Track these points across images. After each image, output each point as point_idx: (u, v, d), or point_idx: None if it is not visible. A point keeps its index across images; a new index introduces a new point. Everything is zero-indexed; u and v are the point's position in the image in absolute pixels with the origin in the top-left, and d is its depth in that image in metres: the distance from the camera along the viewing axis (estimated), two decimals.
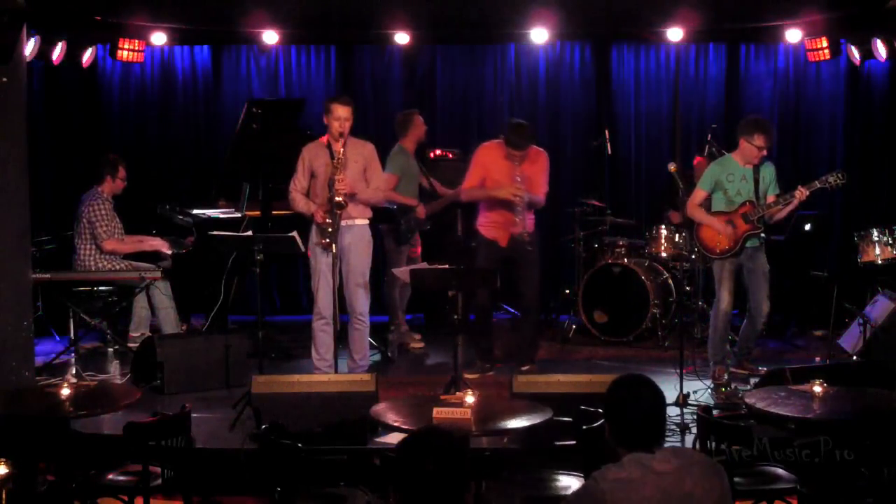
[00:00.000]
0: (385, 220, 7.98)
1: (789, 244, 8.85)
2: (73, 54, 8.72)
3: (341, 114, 6.34)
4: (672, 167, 6.61)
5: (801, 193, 6.46)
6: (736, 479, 4.07)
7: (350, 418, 5.31)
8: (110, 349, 7.82)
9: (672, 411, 5.87)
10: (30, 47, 7.60)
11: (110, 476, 4.55)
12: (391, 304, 8.14)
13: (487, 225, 7.06)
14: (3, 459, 3.42)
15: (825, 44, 8.83)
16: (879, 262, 7.42)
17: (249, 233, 6.73)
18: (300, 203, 6.52)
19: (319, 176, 6.45)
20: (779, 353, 7.73)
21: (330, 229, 6.26)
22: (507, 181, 6.84)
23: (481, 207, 7.13)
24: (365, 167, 6.53)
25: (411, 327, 8.39)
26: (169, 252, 7.71)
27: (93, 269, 7.50)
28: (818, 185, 6.57)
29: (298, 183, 6.53)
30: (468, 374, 6.64)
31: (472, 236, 7.48)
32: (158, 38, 8.97)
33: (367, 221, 6.61)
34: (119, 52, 8.87)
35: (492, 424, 4.39)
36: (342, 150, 6.33)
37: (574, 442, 4.69)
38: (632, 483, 2.91)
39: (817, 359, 7.09)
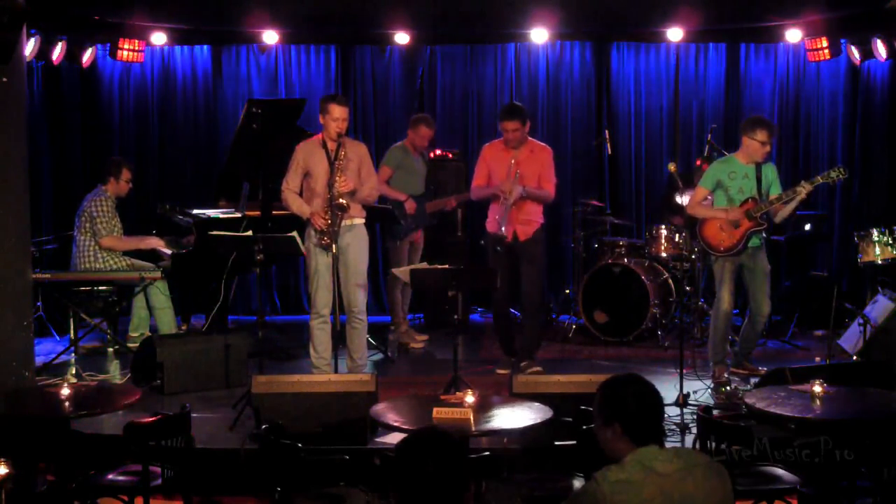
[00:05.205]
0: (384, 220, 7.97)
1: (789, 244, 8.85)
2: (73, 54, 8.72)
3: (339, 114, 6.28)
4: (672, 167, 6.66)
5: (804, 188, 6.41)
6: (736, 480, 4.06)
7: (350, 418, 5.32)
8: (110, 349, 7.81)
9: (672, 411, 5.87)
10: (30, 47, 7.61)
11: (110, 476, 4.56)
12: (392, 303, 8.14)
13: (491, 222, 7.02)
14: (3, 459, 3.42)
15: (825, 44, 8.82)
16: (879, 262, 7.43)
17: (249, 233, 6.72)
18: (294, 204, 6.45)
19: (315, 175, 6.39)
20: (779, 353, 7.73)
21: (330, 230, 6.26)
22: (505, 172, 6.84)
23: (489, 206, 7.10)
24: (360, 167, 6.50)
25: (411, 327, 8.39)
26: (168, 251, 7.71)
27: (92, 265, 7.49)
28: (820, 180, 6.61)
29: (292, 182, 6.45)
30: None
31: (481, 236, 7.49)
32: (158, 38, 8.98)
33: (363, 221, 6.59)
34: (119, 52, 8.87)
35: (492, 424, 4.39)
36: (343, 152, 6.32)
37: (574, 442, 4.69)
38: (633, 484, 2.90)
39: (817, 359, 7.08)
